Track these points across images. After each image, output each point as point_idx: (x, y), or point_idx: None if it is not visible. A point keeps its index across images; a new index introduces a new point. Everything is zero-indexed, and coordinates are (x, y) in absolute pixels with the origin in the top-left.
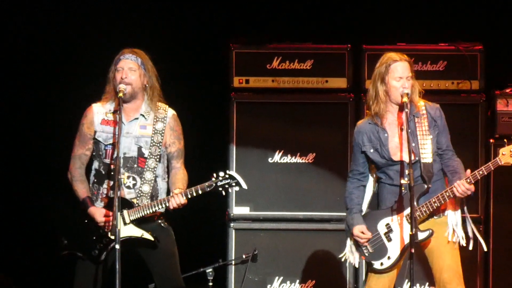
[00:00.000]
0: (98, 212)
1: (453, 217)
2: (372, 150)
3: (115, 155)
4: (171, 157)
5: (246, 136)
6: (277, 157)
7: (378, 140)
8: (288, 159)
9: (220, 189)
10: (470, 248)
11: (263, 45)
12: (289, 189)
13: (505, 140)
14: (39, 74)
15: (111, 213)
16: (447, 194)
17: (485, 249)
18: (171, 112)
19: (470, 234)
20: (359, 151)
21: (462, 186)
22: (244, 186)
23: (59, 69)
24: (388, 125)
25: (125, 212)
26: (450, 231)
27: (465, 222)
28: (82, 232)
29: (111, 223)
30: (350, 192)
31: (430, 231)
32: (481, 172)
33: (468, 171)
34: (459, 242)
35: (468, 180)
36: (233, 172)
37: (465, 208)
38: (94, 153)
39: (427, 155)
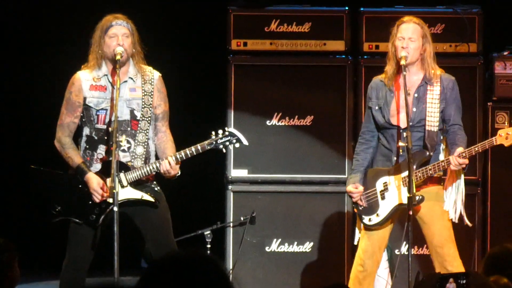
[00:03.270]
0: (94, 179)
1: (452, 193)
2: (376, 107)
3: (108, 119)
4: (156, 119)
5: (244, 99)
6: (275, 120)
7: (384, 98)
8: (286, 121)
9: (221, 146)
10: (469, 224)
11: (261, 7)
12: (287, 151)
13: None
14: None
15: (107, 179)
16: (443, 164)
17: (470, 225)
18: (157, 74)
19: (463, 212)
20: (368, 105)
21: (455, 160)
22: (245, 142)
23: (40, 37)
24: (395, 87)
25: (121, 175)
26: (451, 210)
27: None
28: (77, 197)
29: (108, 190)
30: (357, 153)
31: (421, 196)
32: (476, 149)
33: (460, 148)
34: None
35: (464, 155)
36: (232, 129)
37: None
38: (84, 120)
39: (433, 123)
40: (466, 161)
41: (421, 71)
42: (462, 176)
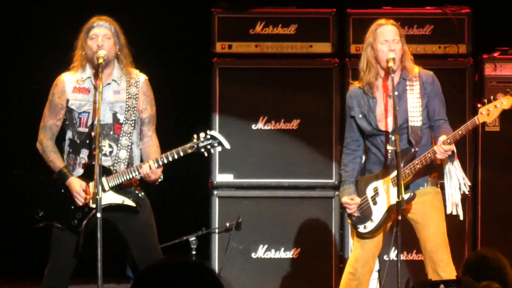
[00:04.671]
0: (76, 182)
1: (448, 186)
2: (360, 116)
3: (90, 122)
4: (142, 123)
5: (229, 102)
6: (261, 124)
7: (367, 106)
8: (272, 125)
9: (202, 150)
10: (461, 216)
11: (246, 9)
12: (273, 156)
13: (485, 100)
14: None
15: (90, 184)
16: (429, 155)
17: (461, 218)
18: (143, 77)
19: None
20: (350, 115)
21: (440, 148)
22: (227, 145)
23: (25, 39)
24: (377, 92)
25: (103, 179)
26: (448, 203)
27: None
28: (60, 202)
29: (91, 193)
30: (345, 164)
31: (412, 193)
32: (460, 132)
33: (443, 136)
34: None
35: (448, 141)
36: (214, 132)
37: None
38: (66, 123)
39: (415, 118)
40: (452, 147)
41: (398, 71)
42: (456, 164)
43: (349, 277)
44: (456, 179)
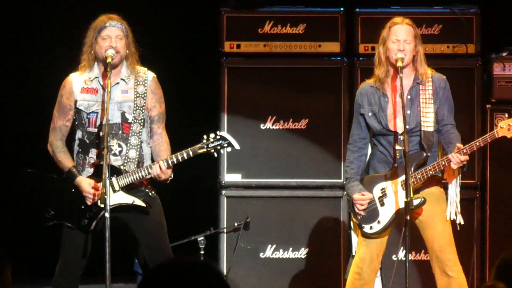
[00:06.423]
0: (85, 181)
1: (452, 191)
2: (370, 114)
3: (98, 122)
4: (151, 121)
5: (237, 102)
6: (269, 123)
7: (377, 104)
8: (280, 125)
9: (212, 151)
10: (462, 222)
11: (254, 9)
12: (281, 155)
13: (506, 114)
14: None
15: (99, 184)
16: (443, 163)
17: (462, 223)
18: (151, 74)
19: (459, 210)
20: (359, 112)
21: (456, 157)
22: (237, 146)
23: (33, 38)
24: (388, 91)
25: (113, 179)
26: (449, 209)
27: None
28: (70, 201)
29: (100, 192)
30: (351, 161)
31: (422, 199)
32: (478, 144)
33: (460, 145)
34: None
35: (464, 151)
36: (224, 133)
37: (459, 180)
38: (76, 123)
39: (428, 124)
40: (467, 157)
41: (412, 72)
42: (459, 176)
43: (355, 277)
44: (459, 192)
